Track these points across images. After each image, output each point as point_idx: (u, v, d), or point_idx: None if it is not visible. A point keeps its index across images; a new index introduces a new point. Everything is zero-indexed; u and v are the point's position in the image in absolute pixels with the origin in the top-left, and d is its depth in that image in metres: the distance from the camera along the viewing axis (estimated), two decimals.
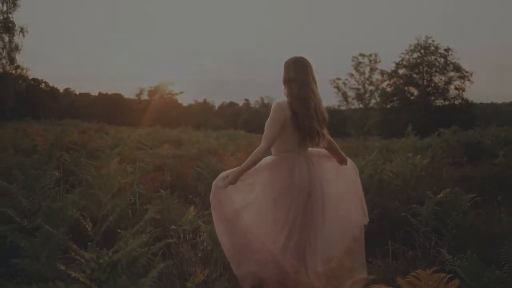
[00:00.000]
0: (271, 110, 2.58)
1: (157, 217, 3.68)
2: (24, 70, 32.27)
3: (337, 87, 46.55)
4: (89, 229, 2.72)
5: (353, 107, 46.49)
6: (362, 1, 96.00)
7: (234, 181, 2.60)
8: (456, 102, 35.17)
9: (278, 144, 2.64)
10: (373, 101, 44.63)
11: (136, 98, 50.48)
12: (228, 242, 2.67)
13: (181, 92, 51.35)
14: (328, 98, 45.47)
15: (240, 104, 58.25)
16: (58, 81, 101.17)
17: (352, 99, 46.56)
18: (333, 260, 2.62)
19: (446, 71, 35.77)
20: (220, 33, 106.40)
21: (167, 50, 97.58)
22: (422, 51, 36.56)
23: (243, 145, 10.91)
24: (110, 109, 43.91)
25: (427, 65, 36.17)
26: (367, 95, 45.69)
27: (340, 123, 39.03)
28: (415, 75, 36.44)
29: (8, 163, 5.68)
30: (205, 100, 58.29)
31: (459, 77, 35.30)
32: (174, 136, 14.29)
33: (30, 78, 37.58)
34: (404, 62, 37.21)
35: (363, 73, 45.80)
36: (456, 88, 35.40)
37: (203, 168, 6.02)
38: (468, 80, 35.10)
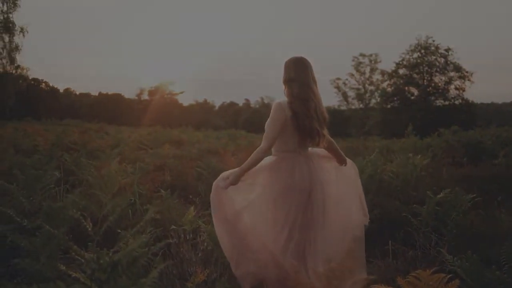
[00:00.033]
0: (272, 110, 2.58)
1: (157, 217, 3.67)
2: (24, 70, 32.38)
3: (337, 87, 46.72)
4: (89, 229, 2.72)
5: (353, 107, 46.59)
6: (362, 1, 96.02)
7: (235, 182, 2.60)
8: (457, 102, 35.15)
9: (278, 144, 2.64)
10: (373, 101, 44.73)
11: (136, 98, 50.59)
12: (228, 242, 2.67)
13: (182, 92, 51.44)
14: (328, 98, 45.62)
15: (240, 104, 58.41)
16: (58, 81, 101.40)
17: (353, 99, 46.72)
18: (333, 260, 2.61)
19: (446, 71, 35.75)
20: (220, 33, 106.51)
21: (167, 50, 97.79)
22: (423, 51, 36.55)
23: (243, 145, 10.89)
24: (110, 109, 43.91)
25: (427, 65, 36.15)
26: (367, 95, 45.79)
27: (341, 123, 39.05)
28: (415, 75, 36.42)
29: (8, 163, 5.69)
30: (205, 100, 58.46)
31: (460, 77, 35.29)
32: (175, 136, 14.25)
33: (30, 78, 37.75)
34: (405, 62, 37.22)
35: (364, 73, 45.93)
36: (456, 88, 35.42)
37: (203, 168, 6.03)
38: (469, 80, 35.12)
